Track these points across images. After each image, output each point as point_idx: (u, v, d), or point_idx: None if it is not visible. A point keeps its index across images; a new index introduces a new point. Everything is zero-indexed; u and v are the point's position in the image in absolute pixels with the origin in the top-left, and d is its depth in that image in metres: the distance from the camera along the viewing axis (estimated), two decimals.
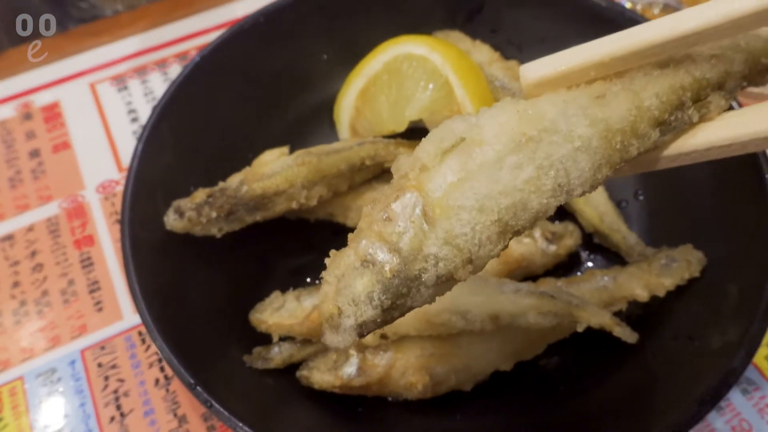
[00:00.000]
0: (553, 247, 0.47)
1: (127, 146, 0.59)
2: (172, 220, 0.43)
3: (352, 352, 0.41)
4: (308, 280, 0.49)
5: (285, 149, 0.48)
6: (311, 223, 0.50)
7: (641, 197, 0.50)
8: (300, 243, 0.50)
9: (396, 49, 0.52)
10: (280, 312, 0.42)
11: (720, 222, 0.44)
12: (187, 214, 0.43)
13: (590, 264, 0.49)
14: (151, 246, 0.42)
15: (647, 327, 0.43)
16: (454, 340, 0.41)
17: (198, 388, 0.35)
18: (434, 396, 0.41)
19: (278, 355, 0.42)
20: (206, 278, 0.45)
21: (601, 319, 0.40)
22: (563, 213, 0.50)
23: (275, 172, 0.44)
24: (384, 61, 0.52)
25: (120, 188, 0.57)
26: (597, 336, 0.42)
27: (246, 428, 0.34)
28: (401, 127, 0.50)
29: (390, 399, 0.42)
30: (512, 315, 0.40)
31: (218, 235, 0.44)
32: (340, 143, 0.48)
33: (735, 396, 0.45)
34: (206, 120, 0.50)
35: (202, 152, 0.49)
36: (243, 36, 0.52)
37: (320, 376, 0.40)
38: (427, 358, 0.41)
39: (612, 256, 0.48)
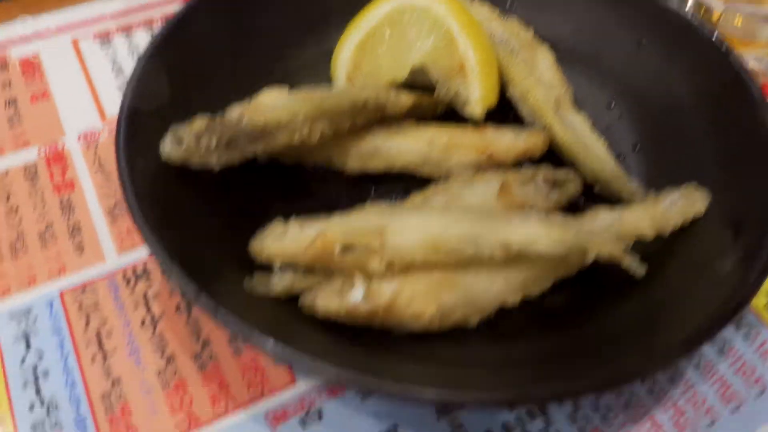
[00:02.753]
0: (554, 194, 0.48)
1: (111, 97, 0.59)
2: (169, 148, 0.43)
3: (358, 279, 0.41)
4: None
5: (284, 89, 0.48)
6: (308, 170, 0.50)
7: (639, 150, 0.52)
8: (296, 189, 0.50)
9: (396, 0, 0.53)
10: (283, 239, 0.42)
11: (721, 164, 0.46)
12: (186, 141, 0.43)
13: None
14: (149, 174, 0.42)
15: (653, 263, 0.44)
16: (462, 270, 0.42)
17: (204, 296, 0.35)
18: (440, 330, 0.42)
19: (280, 282, 0.41)
20: (203, 211, 0.45)
21: (612, 248, 0.42)
22: (562, 162, 0.51)
23: (277, 106, 0.45)
24: (384, 12, 0.54)
25: (104, 138, 0.56)
26: (602, 275, 0.43)
27: (260, 335, 0.34)
28: (401, 77, 0.51)
29: (394, 334, 0.42)
30: (522, 243, 0.40)
31: (216, 167, 0.44)
32: (342, 87, 0.50)
33: (737, 340, 0.46)
34: (200, 66, 0.51)
35: (193, 99, 0.49)
36: None
37: (325, 302, 0.40)
38: (434, 287, 0.41)
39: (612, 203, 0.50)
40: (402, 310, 0.41)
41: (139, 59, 0.47)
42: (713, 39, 0.49)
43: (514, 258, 0.42)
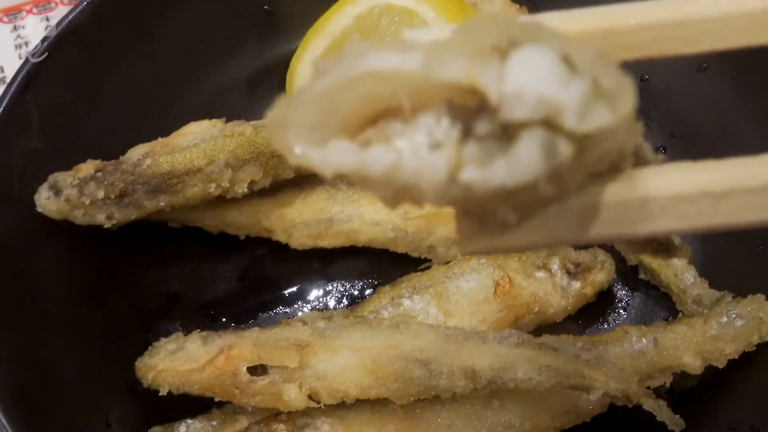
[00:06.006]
0: (576, 285, 0.40)
1: None
2: (44, 199, 0.37)
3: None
4: (224, 320, 0.42)
5: (219, 121, 0.41)
6: (241, 241, 0.42)
7: None
8: (221, 269, 0.43)
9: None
10: (176, 355, 0.35)
11: None
12: (66, 192, 0.36)
13: (623, 312, 0.42)
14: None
15: (698, 410, 0.36)
16: (424, 418, 0.34)
17: None
18: None
19: None
20: (76, 316, 0.38)
21: (625, 384, 0.33)
22: None
23: (192, 145, 0.38)
24: (355, 14, 0.45)
25: None
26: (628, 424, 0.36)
27: None
28: None
29: None
30: (494, 368, 0.33)
31: (107, 225, 0.37)
32: None
33: None
34: (96, 86, 0.43)
35: (89, 126, 0.42)
36: None
37: None
38: None
39: (656, 298, 0.42)
40: None
41: (6, 87, 0.38)
42: None
43: (493, 398, 0.34)
